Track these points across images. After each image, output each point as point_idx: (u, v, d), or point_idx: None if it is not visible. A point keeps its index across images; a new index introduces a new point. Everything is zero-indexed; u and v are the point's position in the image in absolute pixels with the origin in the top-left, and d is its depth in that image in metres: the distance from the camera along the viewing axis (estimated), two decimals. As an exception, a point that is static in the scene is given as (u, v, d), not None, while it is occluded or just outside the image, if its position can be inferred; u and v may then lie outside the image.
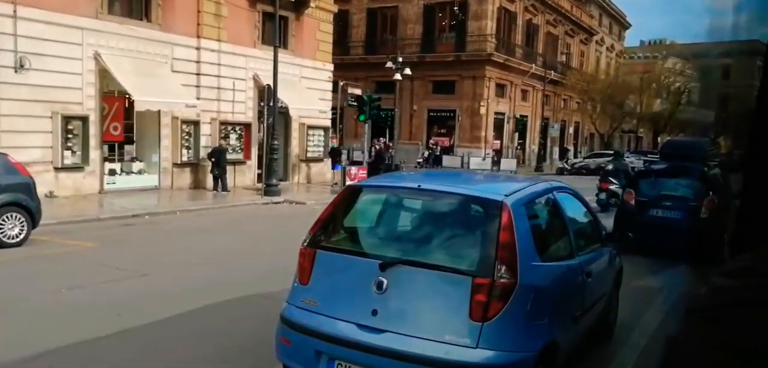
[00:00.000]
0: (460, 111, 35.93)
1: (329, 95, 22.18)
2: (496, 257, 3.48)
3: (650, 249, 9.13)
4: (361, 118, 18.92)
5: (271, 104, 16.30)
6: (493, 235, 3.57)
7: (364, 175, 18.94)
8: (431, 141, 34.90)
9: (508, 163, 33.16)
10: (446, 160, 33.75)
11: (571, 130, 50.14)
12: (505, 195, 3.81)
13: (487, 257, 3.53)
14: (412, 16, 37.34)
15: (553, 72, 42.80)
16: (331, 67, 22.25)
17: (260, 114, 17.83)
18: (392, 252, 3.84)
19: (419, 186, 4.37)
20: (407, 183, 4.77)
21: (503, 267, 3.45)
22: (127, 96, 14.88)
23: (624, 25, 64.20)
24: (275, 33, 16.84)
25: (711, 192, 9.48)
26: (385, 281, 3.51)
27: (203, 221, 12.42)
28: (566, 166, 35.41)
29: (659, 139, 58.46)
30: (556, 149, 46.50)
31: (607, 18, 58.79)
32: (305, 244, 3.98)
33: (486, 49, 34.79)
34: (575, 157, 45.12)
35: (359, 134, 39.32)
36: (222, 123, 17.98)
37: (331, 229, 4.19)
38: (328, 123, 22.17)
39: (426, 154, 33.05)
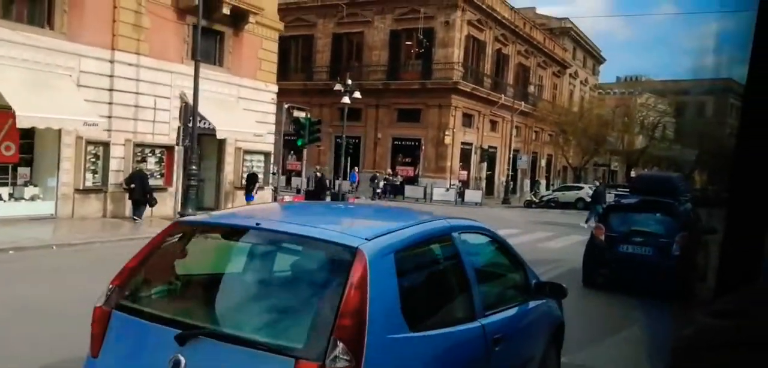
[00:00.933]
0: (425, 140, 34.28)
1: (272, 118, 20.32)
2: (332, 329, 2.46)
3: (620, 286, 8.88)
4: (299, 142, 17.08)
5: (189, 124, 14.35)
6: (336, 297, 2.55)
7: (300, 206, 17.07)
8: (387, 170, 33.09)
9: (472, 195, 31.47)
10: (409, 190, 31.97)
11: (544, 162, 48.81)
12: (366, 240, 2.78)
13: (320, 329, 2.51)
14: (377, 43, 35.87)
15: (523, 103, 41.55)
16: (274, 88, 20.44)
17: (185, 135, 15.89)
18: (199, 317, 2.92)
19: (257, 224, 3.14)
20: (244, 220, 3.47)
21: (340, 345, 2.44)
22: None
23: (598, 60, 63.66)
24: (198, 45, 15.00)
25: (683, 229, 9.09)
26: (182, 360, 2.59)
27: (77, 259, 10.35)
28: (534, 199, 33.82)
29: (632, 172, 57.50)
30: (527, 181, 45.06)
31: (582, 52, 58.12)
32: (100, 303, 3.02)
33: (452, 77, 33.33)
34: (547, 189, 43.65)
35: (323, 161, 37.52)
36: (138, 145, 15.97)
37: (139, 281, 3.21)
38: (271, 148, 20.26)
39: (381, 184, 31.29)
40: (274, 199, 16.05)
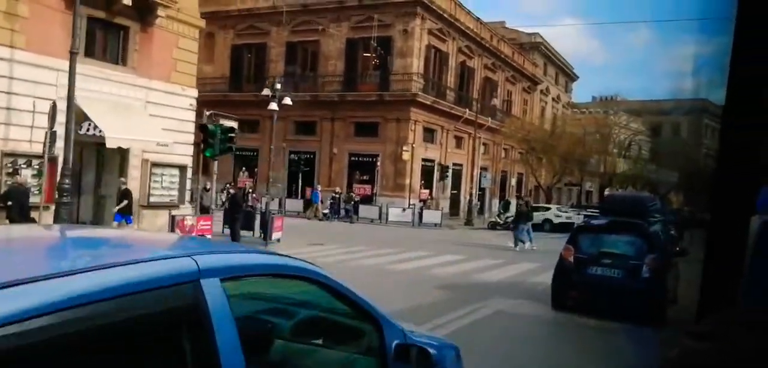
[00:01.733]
0: (383, 156, 32.00)
1: (190, 126, 17.86)
2: None
3: (589, 309, 8.86)
4: (207, 153, 14.61)
5: (54, 129, 11.84)
6: None
7: (207, 228, 14.53)
8: (336, 189, 30.64)
9: (431, 216, 29.16)
10: (364, 210, 29.56)
11: (514, 181, 46.84)
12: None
13: None
14: (333, 52, 33.65)
15: (490, 119, 39.60)
16: (193, 92, 18.01)
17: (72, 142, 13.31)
18: None
19: None
20: None
21: None
22: None
23: (571, 77, 62.39)
24: (76, 34, 12.56)
25: (653, 251, 8.95)
26: None
27: None
28: (498, 221, 31.66)
29: (606, 192, 55.88)
30: (496, 201, 42.98)
31: (553, 68, 56.70)
32: None
33: (411, 88, 31.20)
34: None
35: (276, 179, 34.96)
36: (7, 154, 13.39)
37: None
38: (188, 160, 17.77)
39: (328, 203, 29.00)
40: (171, 224, 13.52)
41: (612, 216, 10.12)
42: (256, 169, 35.81)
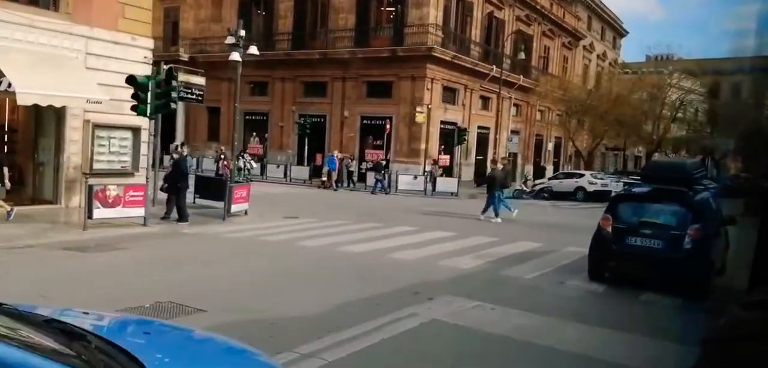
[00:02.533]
0: (397, 118, 29.04)
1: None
2: None
3: (628, 280, 8.69)
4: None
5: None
6: None
7: (138, 199, 12.17)
8: (341, 154, 27.87)
9: (446, 184, 26.17)
10: (372, 178, 26.86)
11: (550, 146, 42.97)
12: None
13: None
14: (345, 4, 30.64)
15: (521, 77, 35.85)
16: (148, 42, 15.58)
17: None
18: None
19: None
20: None
21: None
22: None
23: (619, 32, 57.03)
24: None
25: (697, 221, 8.36)
26: None
27: None
28: (524, 189, 28.32)
29: (654, 158, 51.07)
30: (530, 168, 39.40)
31: (599, 22, 51.72)
32: None
33: (427, 42, 27.94)
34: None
35: (286, 144, 32.73)
36: None
37: None
38: (142, 121, 15.40)
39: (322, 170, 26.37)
40: (89, 196, 11.19)
41: (654, 183, 9.49)
42: (266, 135, 33.59)
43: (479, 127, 33.44)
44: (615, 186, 29.35)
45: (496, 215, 16.80)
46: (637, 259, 8.56)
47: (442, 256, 10.45)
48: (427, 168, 27.81)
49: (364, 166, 29.45)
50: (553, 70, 41.65)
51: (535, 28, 38.83)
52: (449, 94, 30.76)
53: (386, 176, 25.81)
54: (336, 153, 27.63)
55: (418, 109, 27.24)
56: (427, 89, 28.32)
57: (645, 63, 63.59)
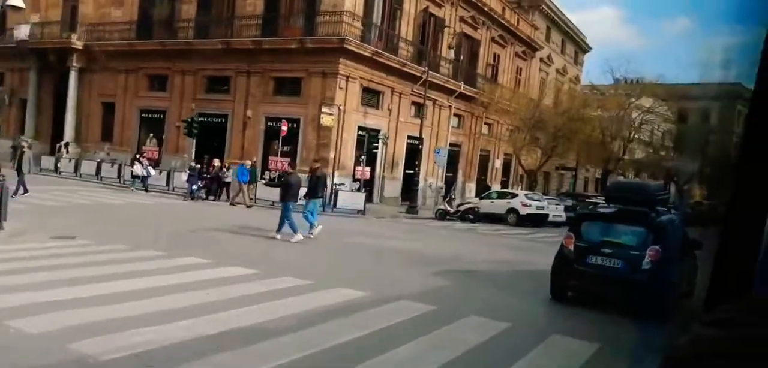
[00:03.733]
0: (305, 121, 24.73)
1: None
2: None
3: (589, 300, 8.75)
4: None
5: None
6: None
7: None
8: (209, 161, 23.29)
9: (349, 199, 21.88)
10: (265, 192, 22.37)
11: (498, 163, 38.99)
12: None
13: None
14: (253, -12, 26.36)
15: (462, 84, 31.90)
16: None
17: None
18: None
19: None
20: None
21: None
22: None
23: (582, 48, 53.70)
24: None
25: (657, 242, 8.33)
26: None
27: None
28: (448, 209, 24.10)
29: (610, 179, 47.66)
30: (473, 186, 35.39)
31: (559, 34, 48.24)
32: None
33: (340, 32, 23.72)
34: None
35: (182, 148, 28.16)
36: None
37: None
38: None
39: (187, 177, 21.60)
40: None
41: (617, 204, 9.36)
42: (163, 136, 29.01)
43: (410, 138, 29.26)
44: (554, 209, 25.46)
45: (311, 227, 12.85)
46: (597, 279, 8.56)
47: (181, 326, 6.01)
48: (338, 180, 23.48)
49: (266, 175, 24.97)
50: (504, 80, 37.77)
51: (482, 32, 34.96)
52: (371, 97, 26.57)
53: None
54: (247, 162, 22.73)
55: (325, 109, 22.94)
56: (341, 88, 24.06)
57: (612, 85, 60.46)
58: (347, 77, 24.29)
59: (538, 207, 24.36)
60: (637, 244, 8.41)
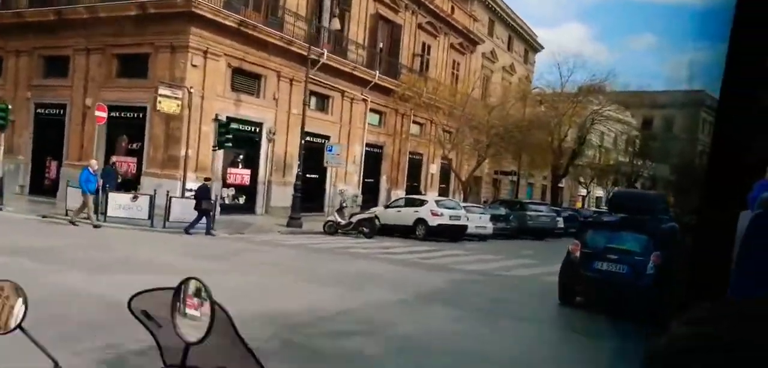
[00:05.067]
0: (152, 109, 18.89)
1: None
2: None
3: (597, 304, 8.95)
4: None
5: None
6: None
7: None
8: (94, 162, 17.29)
9: (177, 210, 16.04)
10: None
11: (433, 167, 33.59)
12: None
13: None
14: (95, -56, 20.54)
15: (377, 73, 26.55)
16: None
17: None
18: None
19: None
20: None
21: None
22: None
23: (532, 46, 49.01)
24: None
25: (660, 248, 8.70)
26: None
27: None
28: (340, 220, 18.41)
29: (561, 185, 42.74)
30: (401, 193, 29.84)
31: (505, 29, 43.39)
32: None
33: (190, -7, 18.01)
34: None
35: (18, 145, 22.08)
36: None
37: None
38: None
39: None
40: None
41: (621, 213, 9.69)
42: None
43: (311, 135, 23.59)
44: (477, 219, 20.06)
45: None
46: (602, 283, 8.77)
47: None
48: (191, 184, 17.65)
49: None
50: (437, 74, 32.50)
51: (405, 16, 29.71)
52: (248, 82, 20.91)
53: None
54: (93, 162, 16.60)
55: (164, 91, 17.12)
56: (194, 66, 18.34)
57: (577, 92, 55.85)
58: (205, 52, 18.61)
59: (452, 217, 18.86)
60: (640, 250, 8.77)
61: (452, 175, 34.24)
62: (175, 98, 17.20)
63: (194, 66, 18.26)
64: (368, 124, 27.60)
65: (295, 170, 23.02)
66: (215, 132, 17.43)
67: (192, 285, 1.16)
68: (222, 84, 19.47)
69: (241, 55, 19.91)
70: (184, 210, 15.75)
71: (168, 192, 15.89)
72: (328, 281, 9.78)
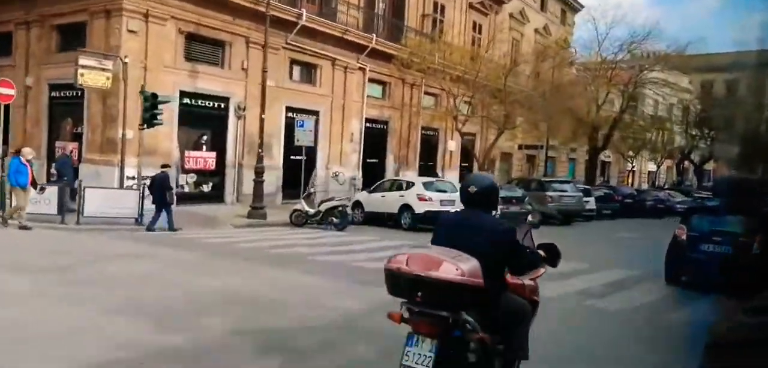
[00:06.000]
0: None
1: None
2: None
3: (703, 285, 8.95)
4: None
5: None
6: None
7: None
8: (28, 149, 14.50)
9: (116, 201, 13.16)
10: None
11: (453, 145, 29.70)
12: None
13: None
14: None
15: (374, 38, 22.93)
16: None
17: None
18: None
19: None
20: None
21: None
22: None
23: (570, 6, 43.73)
24: None
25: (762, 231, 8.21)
26: None
27: None
28: (307, 210, 15.12)
29: (601, 157, 37.77)
30: (411, 173, 26.20)
31: (538, -13, 38.54)
32: None
33: (120, -56, 14.95)
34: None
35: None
36: None
37: None
38: None
39: None
40: None
41: (725, 198, 9.51)
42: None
43: (291, 109, 20.39)
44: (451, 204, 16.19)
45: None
46: (708, 264, 8.84)
47: None
48: (130, 171, 14.77)
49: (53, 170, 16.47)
50: (456, 38, 28.41)
51: (412, -29, 25.82)
52: (209, 50, 17.80)
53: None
54: (26, 150, 14.22)
55: (85, 61, 14.16)
56: (132, 31, 15.34)
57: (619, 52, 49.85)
58: (146, 15, 15.57)
59: (444, 202, 15.15)
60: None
61: (477, 150, 30.19)
62: (103, 69, 14.23)
63: (131, 31, 15.26)
64: (368, 96, 24.06)
65: (275, 151, 19.93)
66: (142, 107, 14.34)
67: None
68: (171, 52, 16.42)
69: (195, 19, 16.79)
70: (105, 203, 12.86)
71: (81, 181, 12.98)
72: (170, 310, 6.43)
